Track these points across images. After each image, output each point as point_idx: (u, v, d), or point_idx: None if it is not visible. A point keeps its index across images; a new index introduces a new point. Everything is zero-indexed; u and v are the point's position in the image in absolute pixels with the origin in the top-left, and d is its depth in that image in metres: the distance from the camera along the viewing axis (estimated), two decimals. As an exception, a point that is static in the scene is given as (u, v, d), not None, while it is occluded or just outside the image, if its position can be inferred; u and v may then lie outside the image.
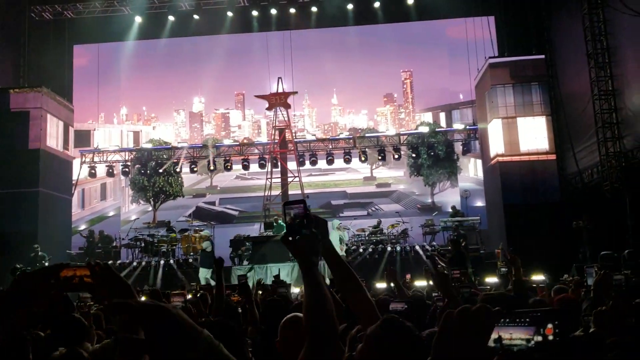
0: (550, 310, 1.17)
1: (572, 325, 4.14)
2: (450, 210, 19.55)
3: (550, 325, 1.13)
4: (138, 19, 21.41)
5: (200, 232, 18.20)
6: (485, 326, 1.09)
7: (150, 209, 23.21)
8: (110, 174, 21.81)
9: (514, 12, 19.28)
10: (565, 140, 17.70)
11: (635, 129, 14.22)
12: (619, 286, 6.70)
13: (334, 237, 16.03)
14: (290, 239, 1.76)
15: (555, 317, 1.14)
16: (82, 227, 21.99)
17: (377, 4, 21.11)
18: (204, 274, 15.47)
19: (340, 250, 16.20)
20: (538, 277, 10.00)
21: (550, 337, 1.13)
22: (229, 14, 21.36)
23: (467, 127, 21.49)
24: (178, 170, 21.95)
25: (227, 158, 21.46)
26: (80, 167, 21.81)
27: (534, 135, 17.74)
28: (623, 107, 14.82)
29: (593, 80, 15.48)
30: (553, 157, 17.73)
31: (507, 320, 1.11)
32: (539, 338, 1.11)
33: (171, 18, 21.46)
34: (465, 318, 1.10)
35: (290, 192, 20.50)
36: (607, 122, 15.22)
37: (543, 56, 18.40)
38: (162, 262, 17.44)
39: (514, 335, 1.11)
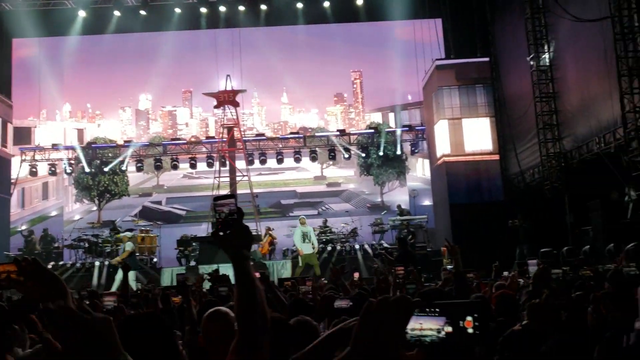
0: (469, 303, 1.19)
1: (511, 320, 4.24)
2: (397, 209, 19.83)
3: (469, 318, 1.14)
4: (82, 14, 20.80)
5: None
6: (403, 316, 1.10)
7: (95, 208, 22.60)
8: (52, 172, 21.13)
9: (460, 15, 19.68)
10: (508, 141, 18.20)
11: (574, 130, 14.75)
12: (556, 280, 6.94)
13: (297, 233, 15.87)
14: (221, 233, 1.76)
15: (474, 310, 1.15)
16: (23, 227, 21.22)
17: (326, 4, 21.19)
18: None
19: (311, 248, 15.75)
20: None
21: (470, 330, 1.14)
22: (177, 10, 21.02)
23: (415, 127, 21.85)
24: (124, 168, 21.43)
25: (175, 157, 21.12)
26: (20, 166, 21.05)
27: (479, 136, 18.17)
28: (562, 109, 15.35)
29: (535, 83, 15.97)
30: (496, 157, 18.20)
31: (418, 310, 1.13)
32: (449, 329, 1.12)
33: (117, 13, 20.93)
34: (384, 307, 1.11)
35: (239, 192, 20.32)
36: (547, 124, 15.73)
37: (487, 59, 18.86)
38: (106, 262, 17.02)
39: (424, 326, 1.12)
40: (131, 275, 14.29)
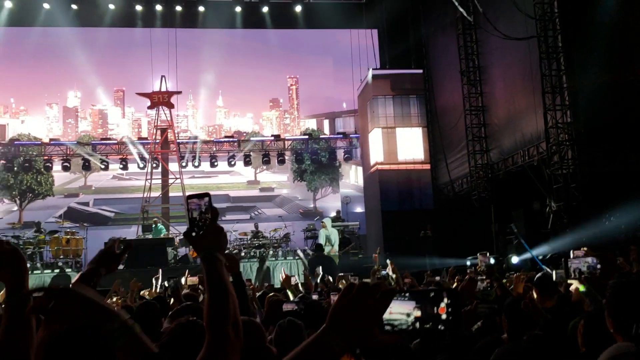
0: (443, 290, 1.23)
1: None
2: (335, 214, 20.00)
3: (443, 305, 1.19)
4: (8, 4, 19.86)
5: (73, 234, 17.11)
6: (381, 302, 1.16)
7: (16, 208, 21.55)
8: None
9: (395, 27, 20.14)
10: (438, 151, 18.75)
11: (500, 142, 15.41)
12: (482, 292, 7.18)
13: (321, 236, 15.62)
14: (193, 234, 1.67)
15: (447, 296, 1.20)
16: None
17: (265, 9, 21.18)
18: None
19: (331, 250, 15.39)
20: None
21: (444, 316, 1.19)
22: (111, 6, 20.42)
23: (349, 135, 22.17)
24: (49, 168, 20.60)
25: (104, 157, 20.48)
26: None
27: (411, 145, 18.64)
28: (490, 122, 16.01)
29: (465, 96, 16.57)
30: (427, 166, 18.71)
31: None
32: (418, 313, 1.18)
33: (46, 6, 20.11)
34: (364, 291, 1.17)
35: (170, 194, 19.95)
36: (476, 136, 16.35)
37: (421, 71, 19.40)
38: (27, 265, 16.24)
39: (394, 310, 1.17)
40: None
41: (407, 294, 1.21)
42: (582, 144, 12.05)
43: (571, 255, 4.73)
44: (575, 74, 12.21)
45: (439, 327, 1.19)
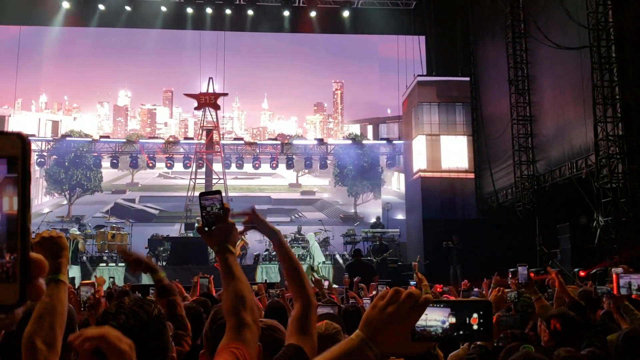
0: (476, 301, 1.24)
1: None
2: (375, 220, 19.98)
3: (475, 315, 1.19)
4: (65, 5, 20.58)
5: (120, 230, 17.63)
6: (414, 311, 1.15)
7: (65, 202, 22.23)
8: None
9: (444, 34, 19.97)
10: (483, 160, 18.47)
11: (547, 154, 15.07)
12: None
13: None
14: (206, 229, 1.80)
15: (479, 308, 1.21)
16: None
17: (313, 14, 21.32)
18: None
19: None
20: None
21: (475, 327, 1.19)
22: (163, 8, 20.93)
23: (393, 141, 22.07)
24: (98, 164, 21.24)
25: (151, 155, 20.94)
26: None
27: (456, 153, 18.39)
28: (538, 132, 15.69)
29: (512, 105, 16.29)
30: (472, 175, 18.42)
31: None
32: (453, 320, 1.18)
33: (101, 7, 20.76)
34: (396, 300, 1.16)
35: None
36: (522, 146, 16.06)
37: (468, 78, 19.16)
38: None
39: (429, 316, 1.17)
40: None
41: (442, 303, 1.21)
42: (633, 158, 11.69)
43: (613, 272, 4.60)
44: (629, 85, 11.86)
45: (470, 335, 1.20)
